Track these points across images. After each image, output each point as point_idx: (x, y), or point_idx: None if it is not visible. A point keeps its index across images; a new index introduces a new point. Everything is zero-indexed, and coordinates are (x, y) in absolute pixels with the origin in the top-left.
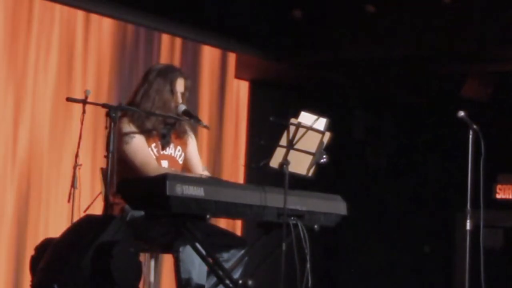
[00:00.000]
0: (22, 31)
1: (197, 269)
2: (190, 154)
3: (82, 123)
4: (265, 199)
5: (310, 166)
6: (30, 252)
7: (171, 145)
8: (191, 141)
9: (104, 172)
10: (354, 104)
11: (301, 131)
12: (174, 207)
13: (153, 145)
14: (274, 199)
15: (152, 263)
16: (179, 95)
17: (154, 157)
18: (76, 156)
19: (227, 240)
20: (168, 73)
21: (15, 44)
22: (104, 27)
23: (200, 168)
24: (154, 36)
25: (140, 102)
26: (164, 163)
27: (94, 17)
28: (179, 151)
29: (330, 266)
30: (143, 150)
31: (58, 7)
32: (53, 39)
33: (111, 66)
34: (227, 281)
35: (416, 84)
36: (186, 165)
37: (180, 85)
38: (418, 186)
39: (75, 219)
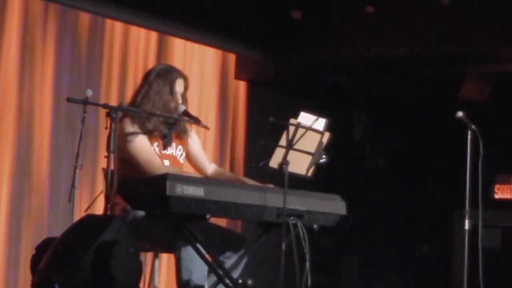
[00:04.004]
0: (26, 32)
1: (198, 267)
2: (194, 150)
3: (82, 123)
4: (265, 199)
5: (309, 166)
6: (30, 251)
7: (173, 145)
8: (193, 139)
9: (105, 172)
10: (354, 104)
11: (301, 131)
12: (174, 207)
13: (155, 144)
14: (273, 199)
15: (157, 263)
16: (179, 96)
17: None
18: (77, 156)
19: (227, 239)
20: (167, 74)
21: (21, 45)
22: (104, 28)
23: (206, 162)
24: (153, 37)
25: (140, 103)
26: (166, 163)
27: (96, 18)
28: (180, 150)
29: (329, 265)
30: (147, 148)
31: (61, 8)
32: (54, 40)
33: (111, 66)
34: (227, 281)
35: (415, 84)
36: (192, 162)
37: (179, 85)
38: (417, 186)
39: (76, 219)
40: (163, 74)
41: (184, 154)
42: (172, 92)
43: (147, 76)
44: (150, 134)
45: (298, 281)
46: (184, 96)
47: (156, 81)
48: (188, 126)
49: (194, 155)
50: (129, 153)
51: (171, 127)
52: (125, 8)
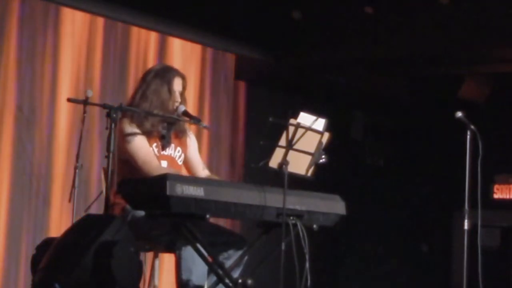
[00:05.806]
0: (28, 34)
1: (198, 267)
2: (190, 154)
3: (83, 123)
4: (265, 199)
5: (309, 166)
6: (30, 251)
7: (171, 146)
8: (191, 142)
9: (105, 172)
10: (353, 104)
11: (300, 131)
12: (174, 207)
13: (154, 145)
14: (273, 199)
15: (157, 263)
16: (177, 94)
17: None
18: (77, 156)
19: (227, 239)
20: (165, 73)
21: (20, 45)
22: (104, 28)
23: (200, 167)
24: (153, 37)
25: (138, 103)
26: (164, 164)
27: (95, 18)
28: (178, 151)
29: (328, 265)
30: (145, 149)
31: (60, 8)
32: (54, 40)
33: (111, 66)
34: (227, 280)
35: (414, 85)
36: (186, 166)
37: (177, 84)
38: (417, 186)
39: (76, 219)
40: (161, 74)
41: (182, 155)
42: (170, 91)
43: (145, 76)
44: (148, 134)
45: (298, 281)
46: (182, 95)
47: (154, 81)
48: (187, 127)
49: (190, 159)
50: (128, 153)
51: (170, 128)
52: (125, 8)
